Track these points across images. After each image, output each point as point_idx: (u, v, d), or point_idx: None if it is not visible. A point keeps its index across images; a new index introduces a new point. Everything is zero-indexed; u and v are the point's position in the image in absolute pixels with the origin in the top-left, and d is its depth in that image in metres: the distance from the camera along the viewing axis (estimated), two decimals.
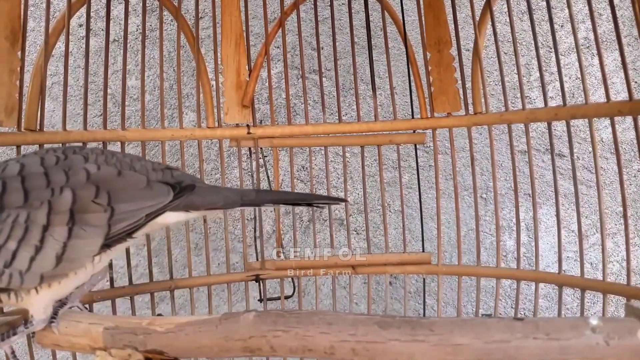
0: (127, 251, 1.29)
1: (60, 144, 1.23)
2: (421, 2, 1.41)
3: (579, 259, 1.26)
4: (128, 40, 1.66)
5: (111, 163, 0.88)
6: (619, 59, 1.14)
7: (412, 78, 1.45)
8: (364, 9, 1.45)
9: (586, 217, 1.70)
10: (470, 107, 1.38)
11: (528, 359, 0.80)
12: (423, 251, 1.49)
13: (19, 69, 1.13)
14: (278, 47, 1.64)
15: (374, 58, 1.46)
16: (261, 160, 1.44)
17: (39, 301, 0.86)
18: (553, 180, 1.30)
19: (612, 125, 1.17)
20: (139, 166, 0.91)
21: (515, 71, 1.30)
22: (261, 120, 1.66)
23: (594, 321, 0.80)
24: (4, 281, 0.81)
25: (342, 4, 1.63)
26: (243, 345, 0.85)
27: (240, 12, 1.41)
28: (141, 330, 0.88)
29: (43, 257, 0.81)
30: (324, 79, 1.67)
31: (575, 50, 1.24)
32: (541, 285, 1.33)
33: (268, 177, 1.56)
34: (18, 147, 1.17)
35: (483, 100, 1.35)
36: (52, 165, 0.84)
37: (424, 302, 1.66)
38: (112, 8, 1.57)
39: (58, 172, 0.83)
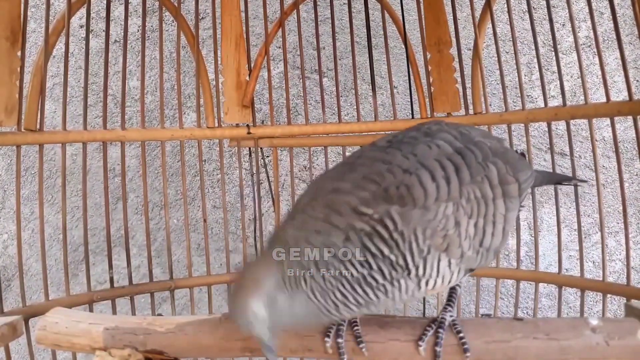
0: (128, 251, 1.30)
1: (61, 144, 1.24)
2: (421, 2, 1.40)
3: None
4: (129, 41, 1.66)
5: (476, 136, 0.82)
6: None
7: (412, 78, 1.45)
8: (364, 9, 1.45)
9: (588, 215, 1.69)
10: (471, 107, 1.38)
11: (528, 359, 0.80)
12: None
13: (19, 69, 1.13)
14: (279, 47, 1.64)
15: (374, 58, 1.46)
16: (261, 160, 1.44)
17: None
18: None
19: (612, 125, 1.17)
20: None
21: (517, 70, 1.31)
22: (263, 121, 1.66)
23: (593, 321, 0.80)
24: (478, 261, 0.77)
25: (343, 4, 1.63)
26: (243, 345, 0.85)
27: (241, 12, 1.41)
28: (141, 330, 0.88)
29: (498, 232, 0.78)
30: (324, 79, 1.67)
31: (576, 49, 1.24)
32: (543, 284, 1.33)
33: (268, 177, 1.56)
34: (18, 147, 1.17)
35: (483, 100, 1.35)
36: (460, 142, 0.79)
37: (424, 301, 1.66)
38: (112, 9, 1.57)
39: (473, 147, 0.79)
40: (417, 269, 0.70)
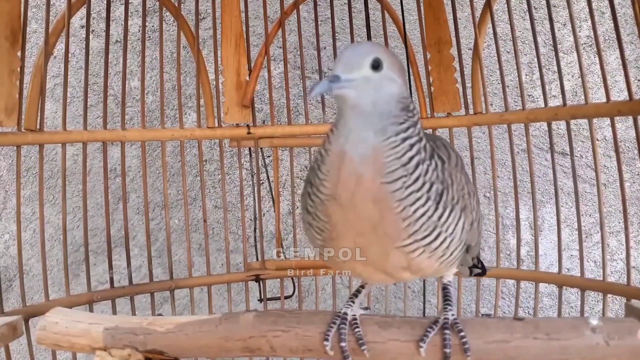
0: (128, 252, 1.30)
1: (61, 144, 1.24)
2: (421, 2, 1.40)
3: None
4: (129, 41, 1.66)
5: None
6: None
7: (412, 78, 1.45)
8: (364, 9, 1.45)
9: (589, 215, 1.69)
10: (471, 107, 1.38)
11: (528, 359, 0.80)
12: None
13: (19, 69, 1.13)
14: (280, 47, 1.64)
15: None
16: (262, 160, 1.44)
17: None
18: (553, 179, 1.30)
19: (612, 125, 1.17)
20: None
21: (517, 70, 1.30)
22: (263, 121, 1.66)
23: (594, 321, 0.80)
24: (474, 242, 0.85)
25: (343, 4, 1.63)
26: (243, 345, 0.85)
27: (241, 12, 1.41)
28: (141, 330, 0.88)
29: (481, 221, 0.89)
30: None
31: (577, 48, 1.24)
32: (544, 284, 1.33)
33: (268, 177, 1.56)
34: (18, 147, 1.17)
35: (483, 100, 1.35)
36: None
37: (424, 301, 1.66)
38: (113, 9, 1.57)
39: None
40: (444, 210, 0.76)
